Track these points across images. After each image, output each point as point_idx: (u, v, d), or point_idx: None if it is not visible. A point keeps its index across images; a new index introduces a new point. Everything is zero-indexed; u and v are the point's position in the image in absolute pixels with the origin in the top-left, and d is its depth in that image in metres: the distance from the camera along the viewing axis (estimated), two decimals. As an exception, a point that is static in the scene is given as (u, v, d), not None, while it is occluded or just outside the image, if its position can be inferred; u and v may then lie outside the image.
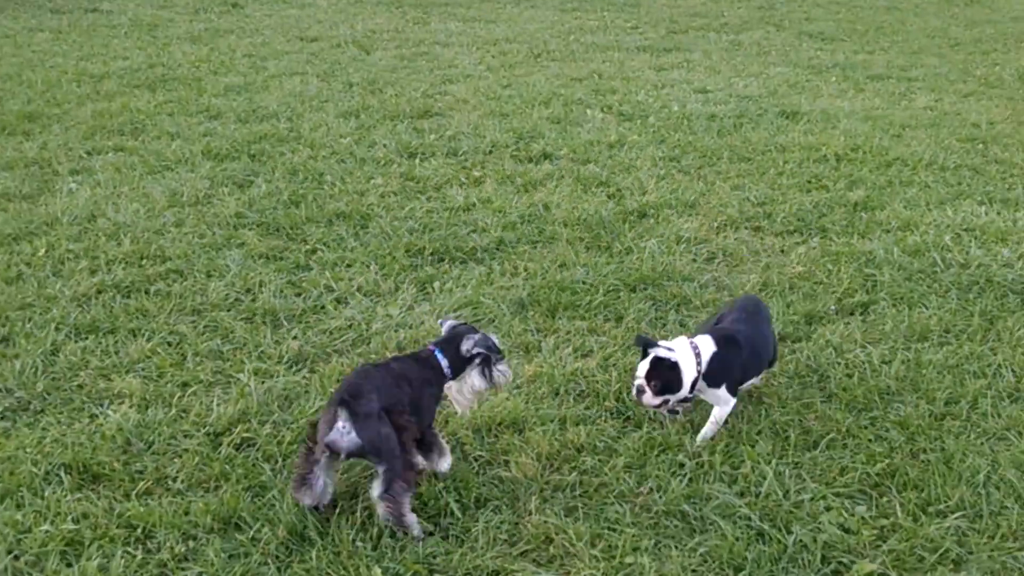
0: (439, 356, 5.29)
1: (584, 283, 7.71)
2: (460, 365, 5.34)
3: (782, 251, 8.50)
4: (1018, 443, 5.73)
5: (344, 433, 4.69)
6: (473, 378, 5.39)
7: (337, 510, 5.04)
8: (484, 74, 15.45)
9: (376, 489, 4.77)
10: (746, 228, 9.03)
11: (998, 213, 9.39)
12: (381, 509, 4.79)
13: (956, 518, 5.05)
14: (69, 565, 4.62)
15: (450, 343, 5.34)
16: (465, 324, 5.56)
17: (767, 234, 8.90)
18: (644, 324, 7.08)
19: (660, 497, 5.20)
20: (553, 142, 11.52)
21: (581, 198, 9.68)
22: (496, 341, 5.43)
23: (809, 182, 10.32)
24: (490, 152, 11.19)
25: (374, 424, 4.70)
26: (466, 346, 5.29)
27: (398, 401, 4.89)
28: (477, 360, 5.34)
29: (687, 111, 13.17)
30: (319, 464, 4.86)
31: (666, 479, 5.34)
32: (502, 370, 5.44)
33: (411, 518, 4.84)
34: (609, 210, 9.31)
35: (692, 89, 14.72)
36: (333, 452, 4.76)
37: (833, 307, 7.36)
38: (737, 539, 4.85)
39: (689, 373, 5.54)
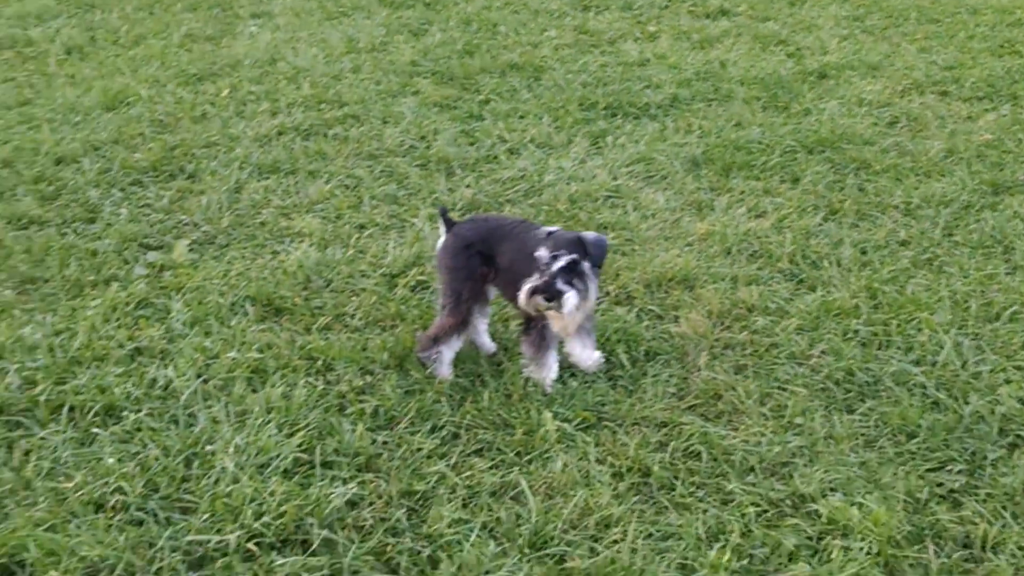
0: None
1: (760, 143, 7.55)
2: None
3: (969, 117, 8.14)
4: None
5: None
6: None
7: (509, 355, 5.14)
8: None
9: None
10: (932, 92, 8.66)
11: None
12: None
13: None
14: (254, 391, 4.83)
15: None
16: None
17: (954, 99, 8.53)
18: (821, 187, 6.91)
19: (833, 360, 5.13)
20: (731, -3, 11.19)
21: (759, 56, 9.42)
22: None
23: (1001, 47, 9.81)
24: (666, 7, 10.94)
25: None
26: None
27: None
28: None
29: (874, -31, 12.59)
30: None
31: (839, 343, 5.27)
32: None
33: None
34: (788, 69, 9.04)
35: (880, -54, 14.04)
36: None
37: (1022, 176, 7.05)
38: (911, 406, 4.78)
39: None
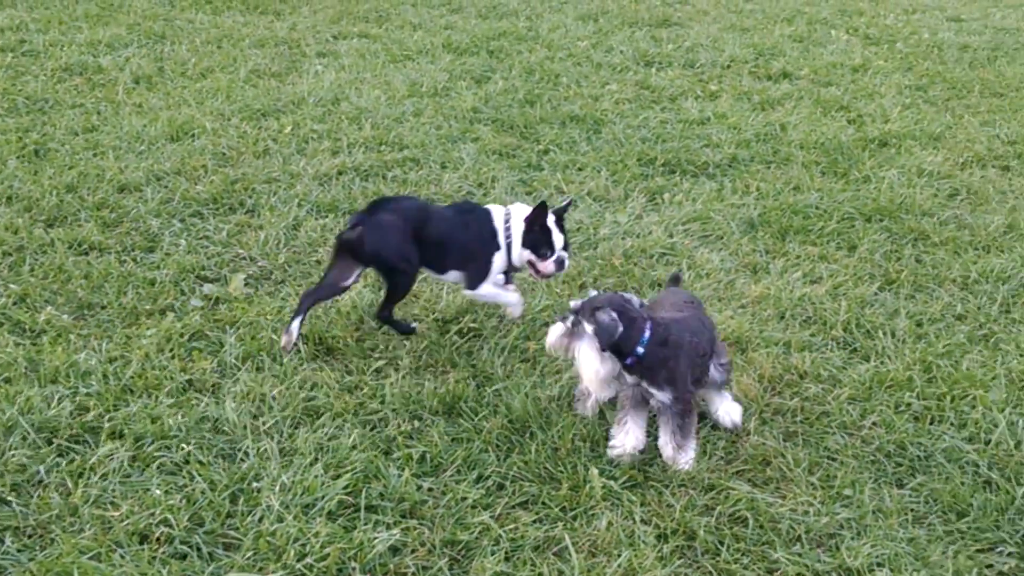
0: None
1: (817, 208, 7.53)
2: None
3: (1031, 194, 8.09)
4: None
5: None
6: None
7: (560, 409, 5.13)
8: (726, -14, 15.10)
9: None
10: (994, 167, 8.61)
11: None
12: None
13: None
14: (303, 430, 4.84)
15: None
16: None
17: (1016, 174, 8.47)
18: (878, 256, 6.87)
19: (884, 433, 5.08)
20: (794, 61, 11.22)
21: (820, 121, 9.42)
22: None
23: (1066, 122, 9.76)
24: (728, 67, 10.98)
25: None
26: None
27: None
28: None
29: (938, 39, 12.60)
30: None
31: (891, 416, 5.21)
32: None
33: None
34: (848, 136, 9.03)
35: (945, 16, 14.06)
36: None
37: (1084, 257, 6.98)
38: (963, 484, 4.71)
39: None
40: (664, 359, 4.63)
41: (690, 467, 4.73)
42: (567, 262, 5.73)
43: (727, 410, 5.07)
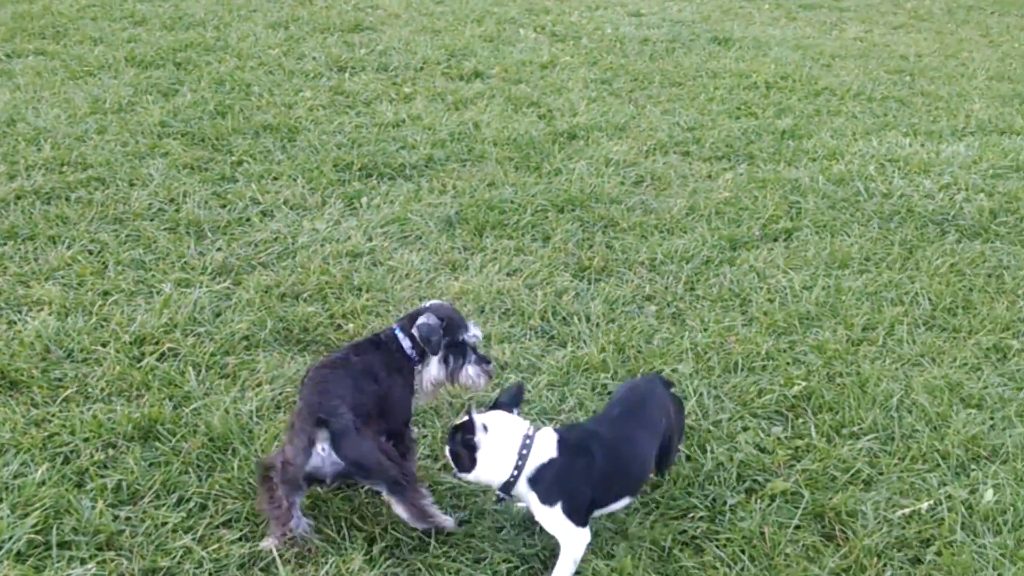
0: (401, 337, 4.58)
1: (512, 202, 7.70)
2: (422, 350, 4.56)
3: (709, 176, 8.55)
4: (931, 369, 5.88)
5: (326, 457, 4.10)
6: (431, 368, 4.61)
7: (262, 421, 5.04)
8: (417, -11, 15.23)
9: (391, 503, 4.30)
10: (675, 152, 9.06)
11: (922, 145, 9.50)
12: (403, 512, 4.28)
13: (869, 440, 5.18)
14: (-14, 471, 4.56)
15: (413, 321, 4.58)
16: (444, 304, 4.81)
17: (695, 159, 8.94)
18: (571, 244, 7.10)
19: (582, 416, 5.25)
20: (485, 61, 11.42)
21: (511, 118, 9.63)
22: (472, 326, 4.66)
23: (739, 108, 10.38)
24: (421, 68, 11.07)
25: (354, 440, 4.10)
26: (418, 330, 4.51)
27: (365, 404, 4.26)
28: (441, 347, 4.53)
29: (620, 34, 13.13)
30: (294, 501, 4.22)
31: (588, 398, 5.40)
32: (473, 372, 4.63)
33: (437, 513, 4.36)
34: (539, 131, 9.28)
35: (626, 12, 14.67)
36: (314, 480, 4.22)
37: (757, 232, 7.44)
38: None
39: (496, 462, 4.19)
40: None
41: None
42: None
43: None
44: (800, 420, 5.35)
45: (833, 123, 10.05)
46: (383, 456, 4.15)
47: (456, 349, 4.58)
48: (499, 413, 4.28)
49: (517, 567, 4.28)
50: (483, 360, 4.67)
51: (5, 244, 6.67)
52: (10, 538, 4.14)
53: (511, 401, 4.37)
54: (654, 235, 7.33)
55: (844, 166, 8.78)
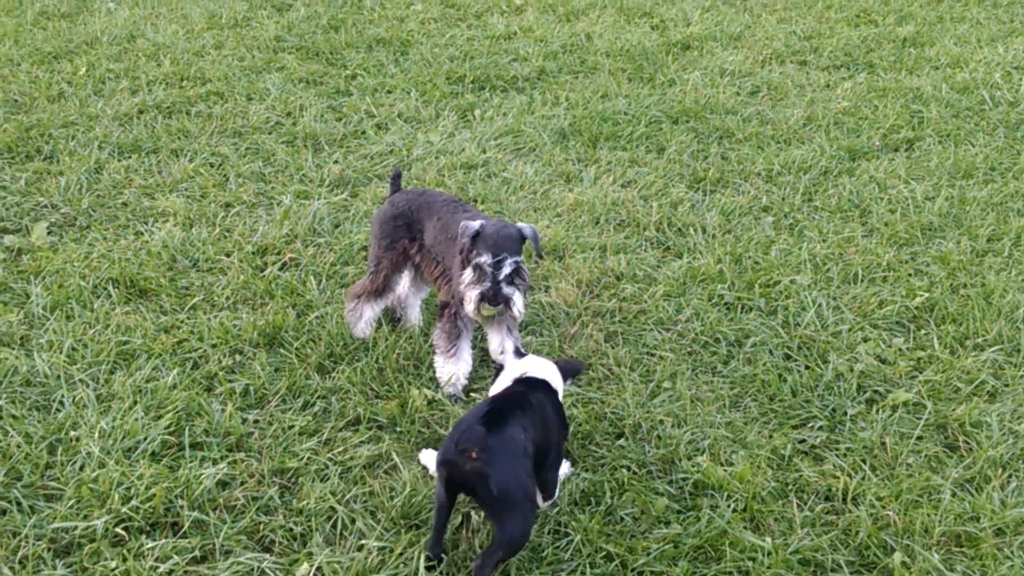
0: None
1: (626, 114, 7.64)
2: None
3: (828, 86, 8.36)
4: (1059, 281, 5.73)
5: None
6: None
7: (381, 330, 5.12)
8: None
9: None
10: (791, 62, 8.87)
11: (1051, 52, 9.17)
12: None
13: (994, 351, 5.07)
14: (120, 374, 4.72)
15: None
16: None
17: (813, 68, 8.74)
18: (686, 155, 7.03)
19: (699, 325, 5.24)
20: (596, -29, 11.26)
21: (624, 28, 9.51)
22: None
23: (857, 16, 10.09)
24: (531, -20, 10.96)
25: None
26: None
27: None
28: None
29: (734, -58, 12.81)
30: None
31: (705, 308, 5.38)
32: None
33: None
34: (652, 41, 9.16)
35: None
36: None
37: (878, 142, 7.27)
38: (772, 367, 4.90)
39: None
40: None
41: None
42: None
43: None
44: (922, 331, 5.25)
45: (957, 30, 9.71)
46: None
47: None
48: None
49: (636, 473, 4.31)
50: None
51: (130, 157, 6.84)
52: (145, 439, 4.29)
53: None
54: (771, 146, 7.22)
55: (968, 74, 8.50)
